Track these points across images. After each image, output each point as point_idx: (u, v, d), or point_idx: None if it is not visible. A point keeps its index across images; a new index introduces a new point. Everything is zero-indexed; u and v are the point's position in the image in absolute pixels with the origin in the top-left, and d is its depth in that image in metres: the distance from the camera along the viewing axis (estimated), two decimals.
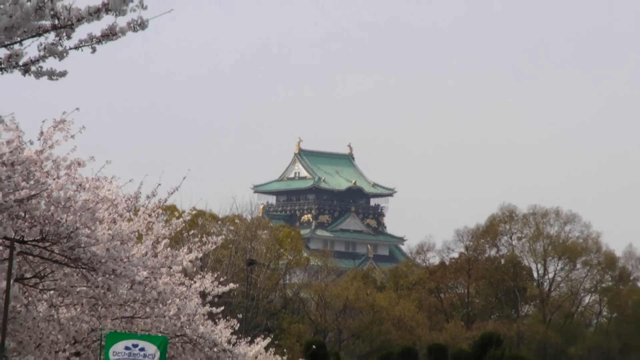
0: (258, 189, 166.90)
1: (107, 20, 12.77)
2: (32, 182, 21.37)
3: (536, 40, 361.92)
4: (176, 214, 41.77)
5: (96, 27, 13.31)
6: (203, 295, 36.80)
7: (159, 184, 29.86)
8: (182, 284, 34.09)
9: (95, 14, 12.66)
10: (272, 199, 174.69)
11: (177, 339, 33.04)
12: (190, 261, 33.96)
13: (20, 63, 12.80)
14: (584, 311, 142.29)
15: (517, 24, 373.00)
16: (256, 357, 46.61)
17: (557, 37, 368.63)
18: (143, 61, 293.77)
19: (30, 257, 23.09)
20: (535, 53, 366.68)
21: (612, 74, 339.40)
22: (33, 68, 12.70)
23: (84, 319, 26.92)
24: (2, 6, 13.07)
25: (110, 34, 13.15)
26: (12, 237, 20.63)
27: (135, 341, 25.79)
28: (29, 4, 13.02)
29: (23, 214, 20.86)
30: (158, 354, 25.22)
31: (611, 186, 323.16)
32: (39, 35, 13.32)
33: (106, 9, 12.58)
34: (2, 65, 13.07)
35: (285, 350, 74.08)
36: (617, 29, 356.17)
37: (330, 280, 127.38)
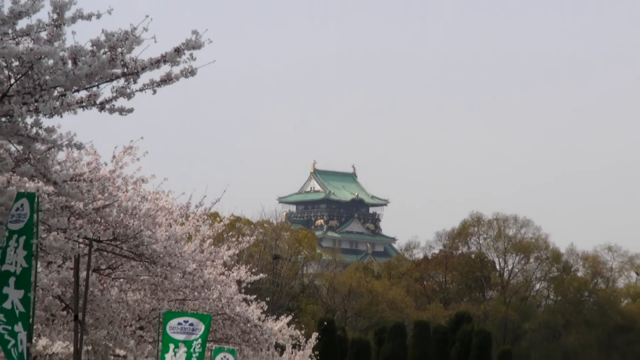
0: (282, 200, 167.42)
1: (164, 68, 13.34)
2: (106, 195, 20.88)
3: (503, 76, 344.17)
4: (218, 219, 41.30)
5: (156, 74, 13.78)
6: (239, 282, 35.65)
7: (205, 196, 29.63)
8: (223, 274, 32.93)
9: (155, 64, 13.31)
10: (293, 208, 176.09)
11: (218, 317, 31.70)
12: (229, 256, 34.13)
13: (97, 102, 13.20)
14: (535, 295, 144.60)
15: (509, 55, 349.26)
16: (280, 331, 46.19)
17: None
18: (189, 92, 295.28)
19: (105, 253, 22.71)
20: (485, 87, 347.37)
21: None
22: (107, 106, 13.11)
23: (146, 300, 26.49)
24: (83, 58, 13.55)
25: (167, 80, 13.74)
26: (91, 237, 20.36)
27: (186, 318, 25.48)
28: (104, 56, 13.61)
29: (99, 220, 20.55)
30: (204, 328, 25.16)
31: (558, 196, 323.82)
32: (112, 80, 13.85)
33: (164, 60, 13.29)
34: (84, 104, 13.40)
35: (302, 325, 73.22)
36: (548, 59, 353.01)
37: (338, 271, 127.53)
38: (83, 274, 20.29)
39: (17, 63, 13.50)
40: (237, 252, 34.92)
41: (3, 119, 14.23)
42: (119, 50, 13.70)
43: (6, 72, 13.92)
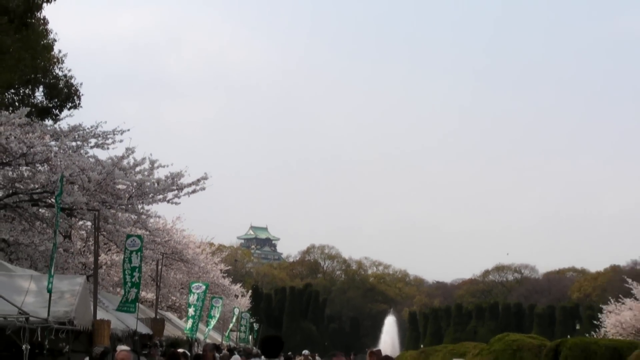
0: (238, 237, 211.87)
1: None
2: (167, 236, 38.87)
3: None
4: (211, 244, 62.94)
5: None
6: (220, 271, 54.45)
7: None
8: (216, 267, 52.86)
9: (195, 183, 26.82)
10: (242, 241, 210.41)
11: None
12: (217, 261, 54.87)
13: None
14: None
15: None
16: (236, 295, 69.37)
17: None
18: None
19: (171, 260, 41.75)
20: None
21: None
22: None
23: (185, 277, 45.43)
24: (152, 181, 31.98)
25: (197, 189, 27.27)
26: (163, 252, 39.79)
27: (198, 284, 38.64)
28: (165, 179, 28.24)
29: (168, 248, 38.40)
30: (204, 287, 38.33)
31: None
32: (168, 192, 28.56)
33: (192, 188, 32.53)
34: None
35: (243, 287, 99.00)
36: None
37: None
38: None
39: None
40: (221, 258, 57.69)
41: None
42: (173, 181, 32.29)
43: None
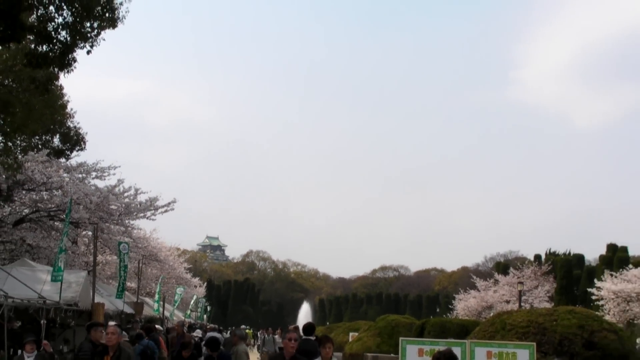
0: (197, 244, 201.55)
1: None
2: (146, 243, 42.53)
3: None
4: (179, 249, 63.03)
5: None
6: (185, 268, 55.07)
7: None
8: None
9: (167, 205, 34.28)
10: (200, 247, 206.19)
11: (172, 278, 50.11)
12: (182, 261, 55.86)
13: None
14: None
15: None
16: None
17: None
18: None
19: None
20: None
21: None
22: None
23: (155, 271, 49.54)
24: (136, 203, 33.39)
25: (168, 209, 34.43)
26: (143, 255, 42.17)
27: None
28: (145, 202, 34.04)
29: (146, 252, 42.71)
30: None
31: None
32: (147, 211, 34.21)
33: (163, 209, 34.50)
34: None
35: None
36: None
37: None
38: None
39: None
40: (184, 259, 56.80)
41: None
42: (150, 203, 33.29)
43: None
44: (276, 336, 28.86)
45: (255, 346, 50.19)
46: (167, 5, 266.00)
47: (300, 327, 17.25)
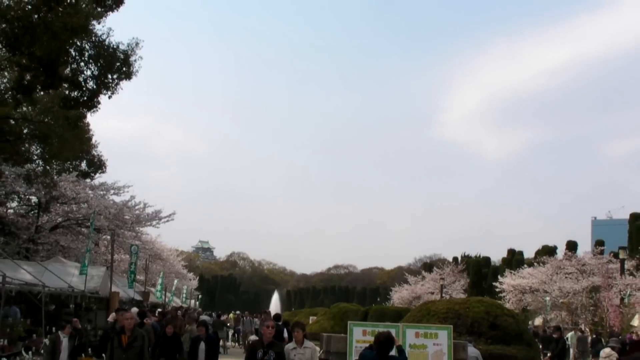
0: (192, 247, 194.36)
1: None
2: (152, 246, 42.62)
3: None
4: (178, 250, 62.39)
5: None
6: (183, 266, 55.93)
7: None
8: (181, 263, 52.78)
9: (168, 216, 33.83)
10: (195, 249, 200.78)
11: (172, 273, 51.39)
12: (180, 259, 55.30)
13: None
14: None
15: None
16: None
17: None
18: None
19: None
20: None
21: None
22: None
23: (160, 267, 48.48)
24: (144, 215, 33.45)
25: (169, 219, 34.82)
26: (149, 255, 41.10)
27: None
28: (151, 214, 33.97)
29: (151, 253, 42.10)
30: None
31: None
32: (153, 220, 34.26)
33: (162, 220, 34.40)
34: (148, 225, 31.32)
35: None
36: None
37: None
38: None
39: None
40: (182, 258, 56.60)
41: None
42: (155, 214, 33.39)
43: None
44: (255, 319, 28.78)
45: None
46: (173, 56, 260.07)
47: (273, 314, 17.38)
